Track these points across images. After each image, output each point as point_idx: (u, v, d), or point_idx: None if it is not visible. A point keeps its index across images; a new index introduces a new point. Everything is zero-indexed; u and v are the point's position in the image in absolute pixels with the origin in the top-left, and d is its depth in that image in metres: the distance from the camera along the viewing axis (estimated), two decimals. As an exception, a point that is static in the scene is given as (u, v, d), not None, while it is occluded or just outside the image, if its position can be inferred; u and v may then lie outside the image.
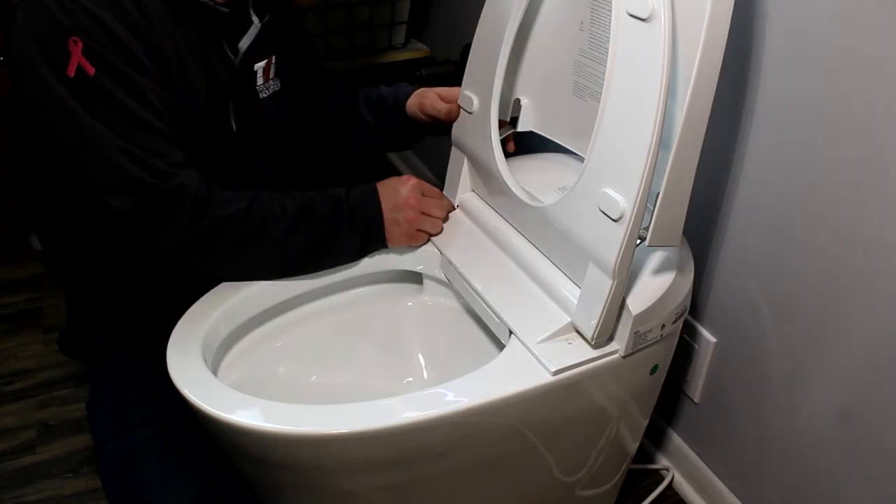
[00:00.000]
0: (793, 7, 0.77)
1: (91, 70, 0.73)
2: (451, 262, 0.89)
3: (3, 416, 1.30)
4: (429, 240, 0.93)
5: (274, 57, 0.95)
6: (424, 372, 0.98)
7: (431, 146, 1.13)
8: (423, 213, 0.91)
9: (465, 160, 0.94)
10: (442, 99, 0.97)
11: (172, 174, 0.77)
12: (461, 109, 0.93)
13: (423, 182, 0.92)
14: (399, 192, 0.89)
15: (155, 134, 0.77)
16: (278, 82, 0.97)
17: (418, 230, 0.91)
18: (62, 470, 1.21)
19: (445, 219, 0.95)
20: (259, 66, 0.93)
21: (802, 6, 0.76)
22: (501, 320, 0.81)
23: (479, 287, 0.85)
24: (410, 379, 0.98)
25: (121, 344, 0.98)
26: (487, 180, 0.91)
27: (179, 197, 0.77)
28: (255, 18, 0.91)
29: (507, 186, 0.86)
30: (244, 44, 0.90)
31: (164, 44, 0.79)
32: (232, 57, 0.89)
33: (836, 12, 0.73)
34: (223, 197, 0.81)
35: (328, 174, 1.09)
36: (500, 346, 0.81)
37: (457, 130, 0.95)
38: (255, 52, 0.92)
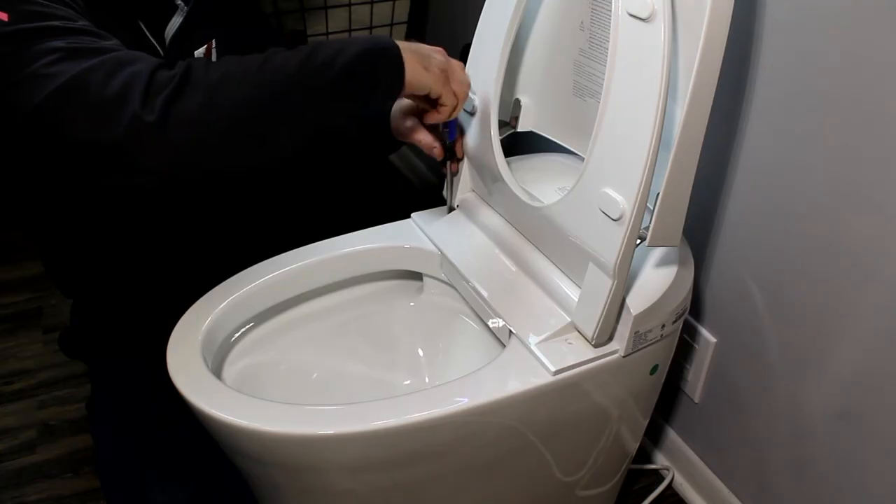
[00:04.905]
0: (793, 6, 0.77)
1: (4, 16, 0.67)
2: (451, 262, 0.89)
3: (3, 416, 1.30)
4: (449, 109, 0.80)
5: (214, 41, 0.91)
6: (424, 372, 0.98)
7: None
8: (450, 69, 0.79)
9: (465, 160, 0.94)
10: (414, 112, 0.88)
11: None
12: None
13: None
14: (421, 46, 0.77)
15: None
16: None
17: (443, 70, 0.77)
18: (62, 470, 1.21)
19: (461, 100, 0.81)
20: (199, 52, 0.90)
21: (803, 6, 0.76)
22: (501, 320, 0.81)
23: (479, 287, 0.85)
24: (410, 379, 0.98)
25: (121, 344, 0.98)
26: (487, 180, 0.91)
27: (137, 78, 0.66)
28: (180, 2, 0.87)
29: (508, 186, 0.86)
30: (170, 30, 0.86)
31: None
32: (156, 44, 0.85)
33: (837, 12, 0.73)
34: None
35: (305, 169, 1.01)
36: (500, 346, 0.81)
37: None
38: (189, 38, 0.88)
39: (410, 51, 0.75)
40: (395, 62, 0.73)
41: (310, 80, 0.69)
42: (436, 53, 0.78)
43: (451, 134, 0.89)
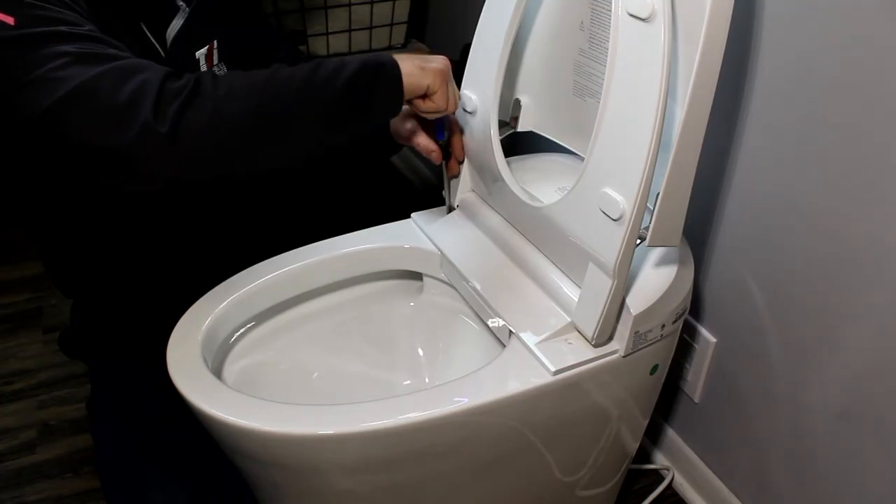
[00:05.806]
0: (793, 7, 0.77)
1: (10, 19, 0.67)
2: (451, 262, 0.89)
3: (3, 416, 1.30)
4: (445, 111, 0.81)
5: (216, 42, 0.92)
6: (424, 372, 0.98)
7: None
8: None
9: (465, 160, 0.94)
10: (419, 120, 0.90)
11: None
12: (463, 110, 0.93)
13: None
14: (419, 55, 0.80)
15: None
16: (224, 68, 0.94)
17: (441, 70, 0.78)
18: (62, 470, 1.21)
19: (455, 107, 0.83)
20: (200, 53, 0.90)
21: (803, 5, 0.76)
22: (501, 320, 0.81)
23: (479, 287, 0.85)
24: (410, 379, 0.98)
25: (121, 344, 0.98)
26: (487, 180, 0.91)
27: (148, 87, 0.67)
28: (181, 4, 0.87)
29: (508, 186, 0.86)
30: (172, 31, 0.86)
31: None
32: (157, 45, 0.85)
33: (837, 12, 0.73)
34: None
35: (306, 170, 1.02)
36: (500, 346, 0.81)
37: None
38: (190, 40, 0.88)
39: (408, 58, 0.77)
40: (393, 74, 0.75)
41: (314, 93, 0.71)
42: (436, 56, 0.79)
43: (439, 134, 0.89)
